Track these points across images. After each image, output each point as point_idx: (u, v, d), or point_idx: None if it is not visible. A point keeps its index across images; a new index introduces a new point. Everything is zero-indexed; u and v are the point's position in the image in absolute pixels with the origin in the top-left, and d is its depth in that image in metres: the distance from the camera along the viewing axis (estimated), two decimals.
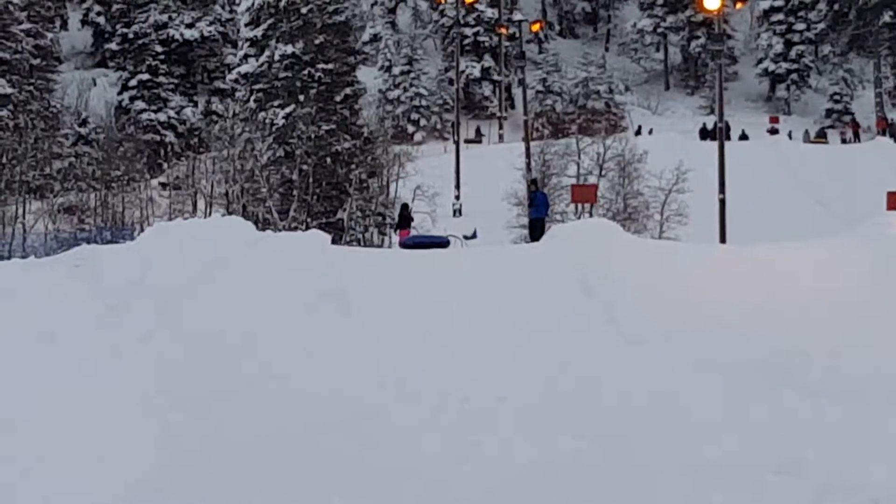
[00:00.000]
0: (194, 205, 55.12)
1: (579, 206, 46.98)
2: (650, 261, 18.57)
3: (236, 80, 56.81)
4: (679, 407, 12.93)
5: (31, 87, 73.10)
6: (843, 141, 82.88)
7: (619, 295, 16.86)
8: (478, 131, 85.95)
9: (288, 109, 52.06)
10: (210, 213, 48.64)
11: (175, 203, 55.41)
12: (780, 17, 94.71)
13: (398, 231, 40.70)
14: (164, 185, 59.89)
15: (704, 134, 78.73)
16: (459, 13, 79.93)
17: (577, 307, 16.56)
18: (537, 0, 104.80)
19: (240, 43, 59.52)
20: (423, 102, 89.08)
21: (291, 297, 16.11)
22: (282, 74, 53.21)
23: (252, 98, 54.11)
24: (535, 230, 34.32)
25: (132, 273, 16.96)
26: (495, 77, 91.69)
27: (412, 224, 42.91)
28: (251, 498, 11.26)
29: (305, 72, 52.94)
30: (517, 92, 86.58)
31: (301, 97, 52.30)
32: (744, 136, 77.66)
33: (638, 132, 78.21)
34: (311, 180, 49.91)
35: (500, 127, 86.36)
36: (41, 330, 15.24)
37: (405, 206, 42.95)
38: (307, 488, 11.42)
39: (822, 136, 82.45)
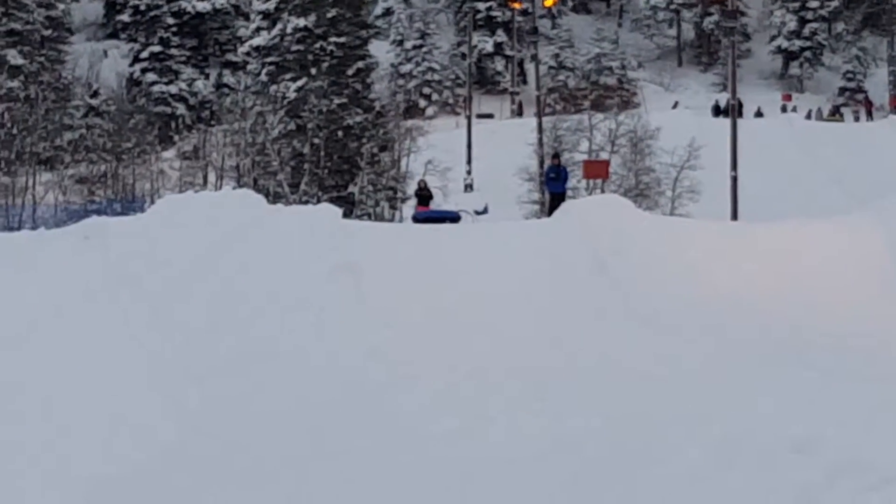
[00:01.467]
0: (205, 178, 55.12)
1: (591, 181, 46.92)
2: (663, 237, 18.50)
3: (248, 53, 56.70)
4: (692, 385, 12.87)
5: (43, 59, 73.12)
6: (856, 119, 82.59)
7: (631, 271, 16.80)
8: (520, 105, 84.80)
9: (300, 83, 51.95)
10: (221, 186, 48.56)
11: (186, 176, 55.40)
12: None
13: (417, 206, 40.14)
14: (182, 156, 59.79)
15: (717, 111, 78.56)
16: None
17: (589, 283, 16.50)
18: None
19: (252, 15, 59.44)
20: (436, 77, 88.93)
21: (302, 271, 16.06)
22: (294, 47, 53.08)
23: (264, 71, 54.03)
24: (558, 204, 34.06)
25: (143, 246, 16.91)
26: (508, 52, 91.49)
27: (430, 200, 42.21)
28: (261, 471, 11.25)
29: (317, 45, 52.80)
30: (530, 67, 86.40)
31: (313, 70, 52.16)
32: (759, 114, 77.43)
33: (674, 106, 78.24)
34: (322, 154, 49.84)
35: (513, 102, 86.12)
36: (51, 302, 15.21)
37: (424, 183, 42.16)
38: (316, 463, 11.41)
39: (835, 114, 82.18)
